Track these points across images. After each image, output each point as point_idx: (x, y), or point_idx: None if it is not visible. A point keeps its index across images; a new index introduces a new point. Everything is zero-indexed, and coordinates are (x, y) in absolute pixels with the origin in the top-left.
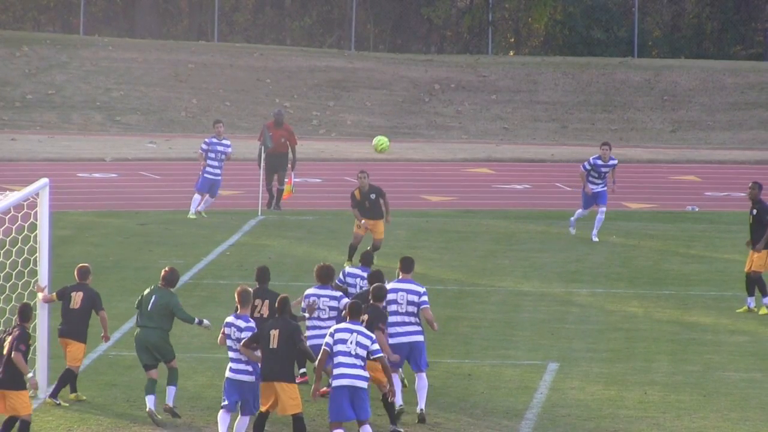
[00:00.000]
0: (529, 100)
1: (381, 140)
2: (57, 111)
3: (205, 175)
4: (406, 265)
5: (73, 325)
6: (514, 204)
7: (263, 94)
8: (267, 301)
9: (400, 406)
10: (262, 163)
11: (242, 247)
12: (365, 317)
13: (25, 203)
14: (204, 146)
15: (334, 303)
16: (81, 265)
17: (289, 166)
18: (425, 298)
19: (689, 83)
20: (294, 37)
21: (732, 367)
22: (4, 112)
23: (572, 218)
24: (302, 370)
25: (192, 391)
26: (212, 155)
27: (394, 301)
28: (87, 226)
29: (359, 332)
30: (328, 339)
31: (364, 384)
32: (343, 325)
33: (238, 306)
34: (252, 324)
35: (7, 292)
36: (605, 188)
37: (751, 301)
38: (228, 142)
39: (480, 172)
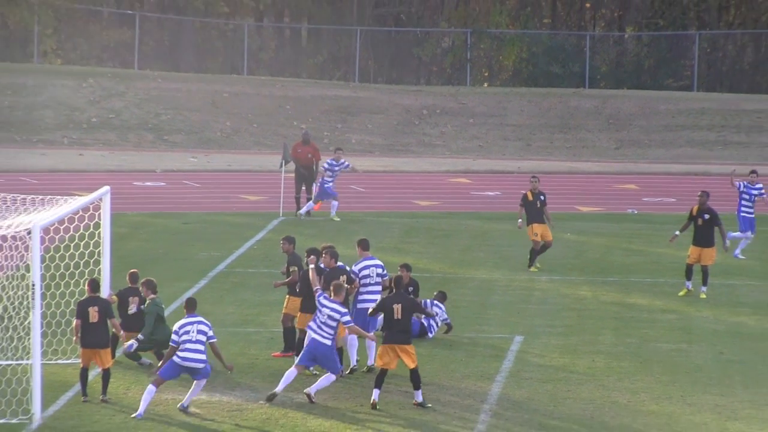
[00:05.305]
0: (500, 123)
1: None
2: (116, 131)
3: (324, 186)
4: (366, 244)
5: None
6: (488, 207)
7: (284, 118)
8: (321, 277)
9: (353, 366)
10: (294, 174)
11: (267, 242)
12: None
13: (90, 206)
14: (326, 165)
15: (380, 270)
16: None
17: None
18: (385, 271)
19: (630, 109)
20: (309, 71)
21: (664, 340)
22: (74, 132)
23: (737, 250)
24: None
25: (227, 358)
26: (329, 173)
27: (368, 276)
28: (140, 225)
29: (198, 322)
30: (174, 336)
31: (202, 365)
32: (183, 321)
33: (333, 293)
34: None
35: (76, 278)
36: (753, 215)
37: (689, 284)
38: (346, 162)
39: (460, 181)
